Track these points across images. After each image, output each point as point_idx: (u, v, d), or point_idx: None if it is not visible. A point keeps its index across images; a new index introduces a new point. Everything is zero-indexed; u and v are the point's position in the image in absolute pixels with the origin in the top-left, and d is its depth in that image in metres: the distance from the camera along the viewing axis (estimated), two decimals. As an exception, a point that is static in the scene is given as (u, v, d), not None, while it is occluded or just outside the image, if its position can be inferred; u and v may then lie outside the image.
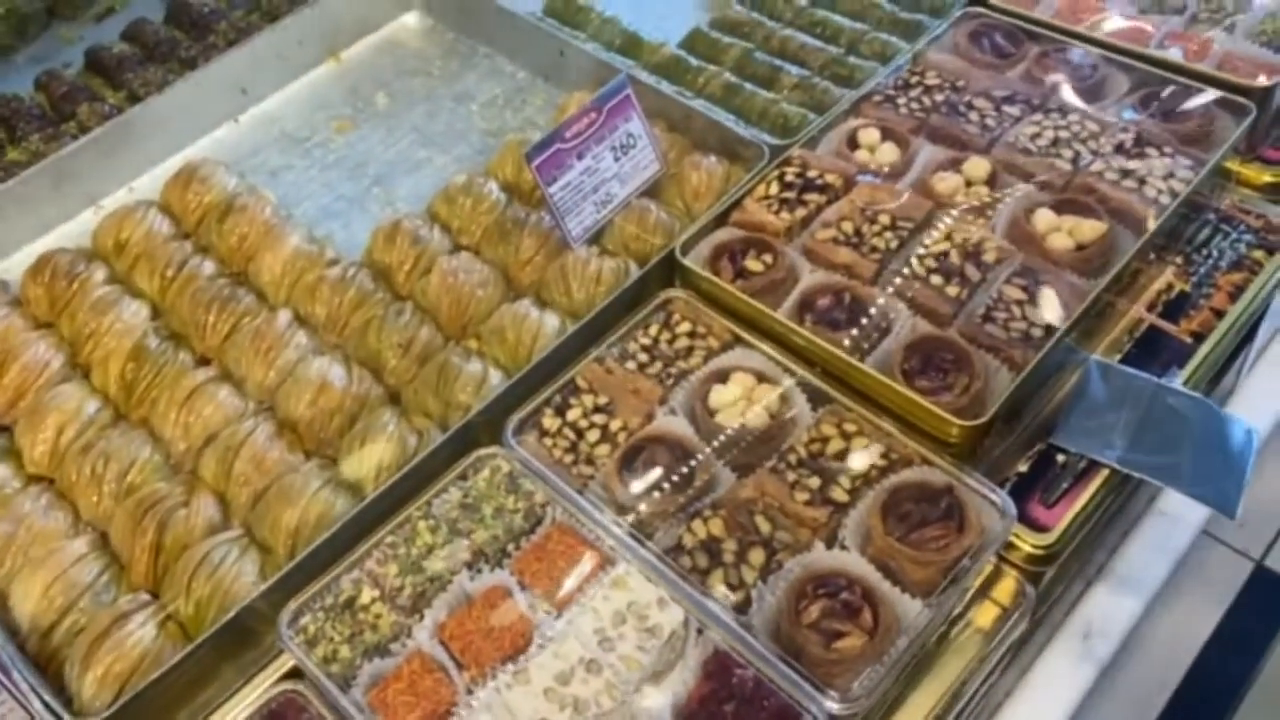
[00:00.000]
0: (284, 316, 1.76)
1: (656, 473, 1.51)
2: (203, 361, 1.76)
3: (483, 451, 1.54)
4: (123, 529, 1.54)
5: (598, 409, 1.60)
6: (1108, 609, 1.88)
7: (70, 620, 1.46)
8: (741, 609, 1.38)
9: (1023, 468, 1.60)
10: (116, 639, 1.41)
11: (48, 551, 1.51)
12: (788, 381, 1.59)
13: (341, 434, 1.64)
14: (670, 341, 1.67)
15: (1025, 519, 1.54)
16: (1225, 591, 2.63)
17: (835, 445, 1.52)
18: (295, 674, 1.41)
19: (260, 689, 1.39)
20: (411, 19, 2.44)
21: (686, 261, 1.71)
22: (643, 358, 1.65)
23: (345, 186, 2.12)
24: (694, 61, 2.20)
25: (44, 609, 1.46)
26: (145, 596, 1.48)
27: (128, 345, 1.73)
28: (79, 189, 2.07)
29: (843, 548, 1.43)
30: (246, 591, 1.45)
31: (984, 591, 1.54)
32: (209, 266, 1.87)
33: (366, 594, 1.42)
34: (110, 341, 1.75)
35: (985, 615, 1.54)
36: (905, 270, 1.66)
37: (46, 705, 1.34)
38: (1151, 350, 1.72)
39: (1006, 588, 1.54)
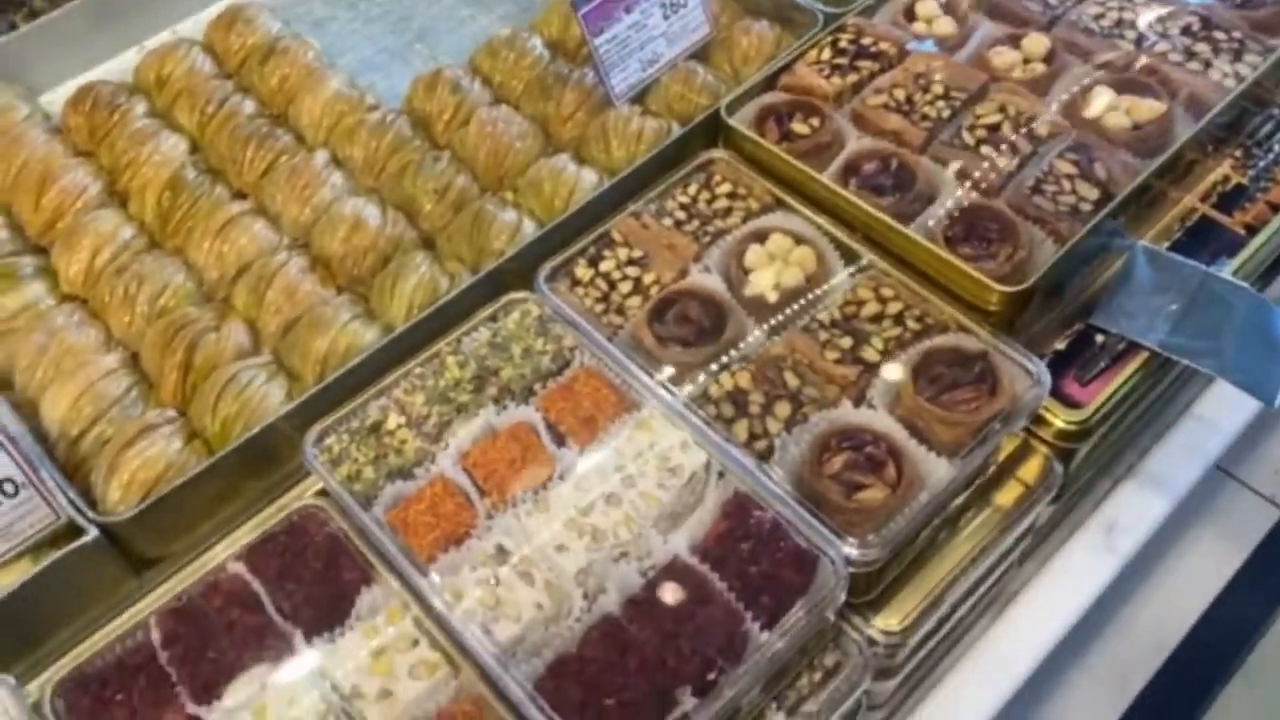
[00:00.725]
0: (321, 156, 1.75)
1: (687, 325, 1.49)
2: (239, 196, 1.76)
3: (514, 295, 1.53)
4: (153, 348, 1.55)
5: (631, 262, 1.58)
6: (1133, 506, 1.87)
7: (98, 430, 1.47)
8: (764, 458, 1.37)
9: (1060, 346, 1.57)
10: (142, 448, 1.42)
11: (78, 364, 1.52)
12: (826, 244, 1.57)
13: (374, 273, 1.63)
14: (709, 201, 1.64)
15: (1059, 396, 1.51)
16: (1248, 538, 2.59)
17: (871, 308, 1.50)
18: (321, 496, 1.41)
19: (283, 506, 1.40)
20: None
21: (732, 121, 1.68)
22: (680, 215, 1.62)
23: (388, 40, 2.09)
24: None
25: (73, 418, 1.47)
26: (172, 412, 1.49)
27: (165, 175, 1.73)
28: (123, 28, 2.05)
29: (871, 407, 1.41)
30: (273, 412, 1.45)
31: (1011, 470, 1.53)
32: (249, 105, 1.86)
33: (393, 420, 1.42)
34: (148, 171, 1.75)
35: (1011, 494, 1.52)
36: (955, 140, 1.62)
37: (71, 502, 1.36)
38: (1202, 240, 1.67)
39: (1034, 466, 1.52)
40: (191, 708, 1.21)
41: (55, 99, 1.99)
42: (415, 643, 1.25)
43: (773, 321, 1.50)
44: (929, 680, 1.67)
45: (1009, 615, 1.74)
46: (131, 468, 1.40)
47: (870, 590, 1.37)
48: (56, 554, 1.30)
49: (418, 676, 1.22)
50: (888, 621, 1.38)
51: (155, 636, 1.26)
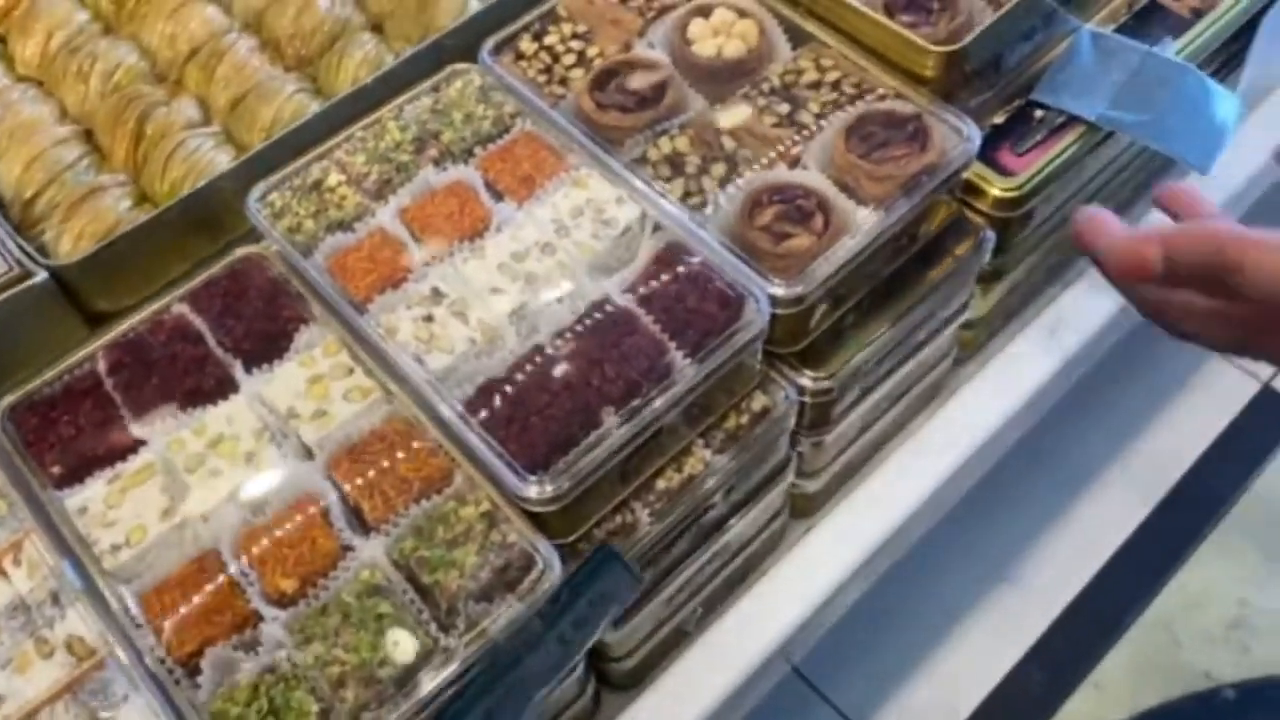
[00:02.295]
0: (273, -57, 1.75)
1: (628, 94, 1.51)
2: (192, -16, 1.77)
3: (457, 66, 1.55)
4: (105, 120, 1.57)
5: (576, 36, 1.59)
6: (1079, 307, 1.90)
7: (50, 193, 1.50)
8: (698, 209, 1.40)
9: (999, 120, 1.58)
10: (93, 204, 1.46)
11: (32, 133, 1.55)
12: (769, 19, 1.58)
13: (322, 53, 1.65)
14: (657, -17, 1.65)
15: (995, 166, 1.53)
16: (1225, 410, 2.62)
17: (809, 77, 1.51)
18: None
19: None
20: None
21: (679, -97, 1.67)
22: (627, -6, 1.64)
23: None
24: None
25: (26, 181, 1.51)
26: (123, 177, 1.53)
27: (117, -38, 1.74)
28: None
29: (804, 168, 1.44)
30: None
31: (946, 247, 1.55)
32: (201, -99, 1.85)
33: (334, 178, 1.45)
34: (101, -40, 1.76)
35: (945, 270, 1.54)
36: (904, -84, 1.61)
37: (22, 249, 1.40)
38: (1148, 23, 1.67)
39: (970, 236, 1.54)
40: (134, 428, 1.27)
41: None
42: (350, 371, 1.30)
43: (713, 93, 1.52)
44: (867, 461, 1.72)
45: (947, 408, 1.79)
46: (82, 222, 1.44)
47: (798, 340, 1.41)
48: (4, 294, 1.34)
49: (351, 400, 1.27)
50: (817, 371, 1.42)
51: (101, 366, 1.31)
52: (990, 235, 1.53)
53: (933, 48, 1.44)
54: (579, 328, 1.30)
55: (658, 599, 1.44)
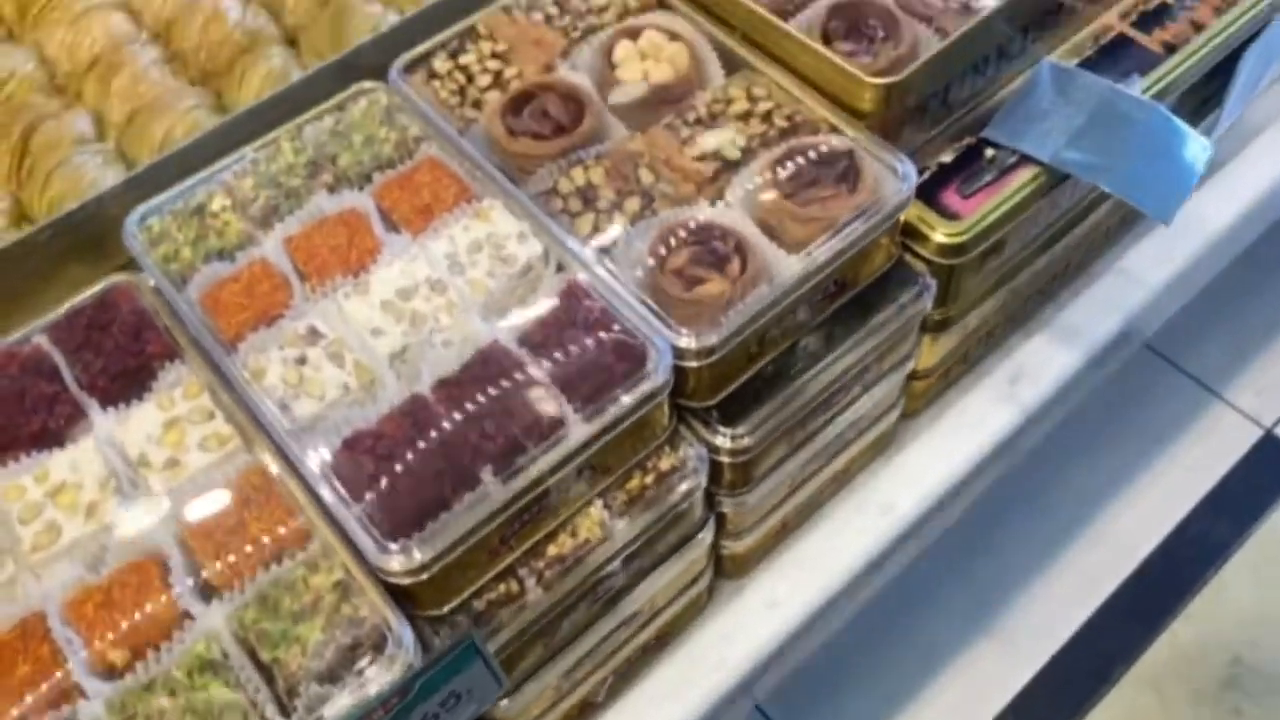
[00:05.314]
0: (186, -52, 1.66)
1: (543, 119, 1.40)
2: (102, -9, 1.67)
3: (364, 85, 1.44)
4: (-11, 132, 1.48)
5: (494, 55, 1.48)
6: (1041, 358, 1.77)
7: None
8: (606, 251, 1.29)
9: (946, 158, 1.47)
10: (-38, 225, 1.36)
11: (-91, 148, 1.46)
12: (703, 43, 1.47)
13: (230, 67, 1.55)
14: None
15: (939, 208, 1.42)
16: (1224, 457, 2.47)
17: (739, 107, 1.40)
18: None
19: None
20: None
21: (609, -87, 1.57)
22: (552, 10, 1.52)
23: None
24: None
25: (-103, 198, 1.41)
26: (1, 194, 1.43)
27: (25, -34, 1.65)
28: None
29: (727, 205, 1.32)
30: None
31: (886, 292, 1.43)
32: (120, -100, 1.76)
33: (218, 202, 1.34)
34: (9, -37, 1.67)
35: (885, 314, 1.43)
36: (849, -68, 1.50)
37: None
38: (1115, 58, 1.56)
39: (909, 283, 1.43)
40: None
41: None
42: (211, 416, 1.19)
43: (636, 122, 1.41)
44: (806, 519, 1.60)
45: (898, 459, 1.67)
46: (-51, 246, 1.34)
47: (714, 393, 1.29)
48: None
49: (207, 448, 1.16)
50: (734, 427, 1.31)
51: None
52: (931, 283, 1.42)
53: (870, 79, 1.33)
54: (463, 376, 1.18)
55: (553, 671, 1.32)
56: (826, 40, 1.41)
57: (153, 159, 1.40)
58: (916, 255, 1.43)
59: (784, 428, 1.35)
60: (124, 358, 1.23)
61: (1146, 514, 2.33)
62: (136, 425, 1.18)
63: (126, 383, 1.21)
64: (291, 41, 1.61)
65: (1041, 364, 1.75)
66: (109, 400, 1.20)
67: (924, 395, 1.68)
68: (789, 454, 1.42)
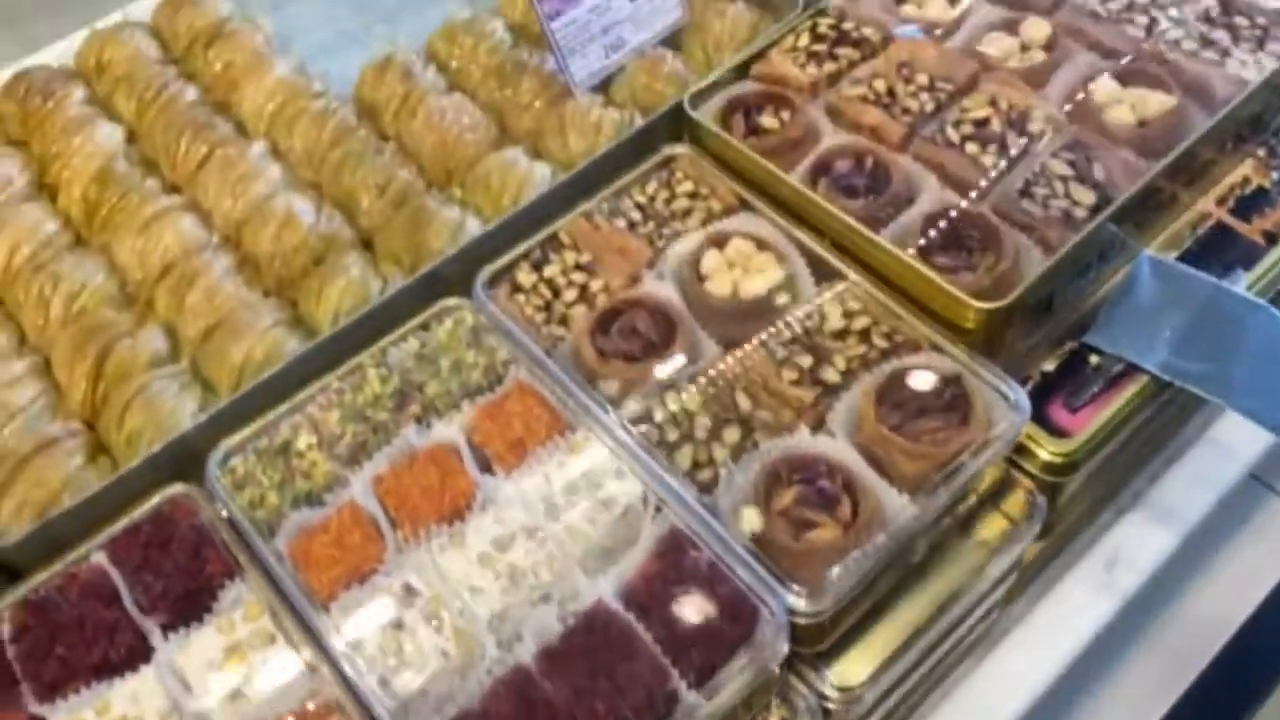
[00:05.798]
0: (258, 148, 1.63)
1: (633, 338, 1.36)
2: (172, 190, 1.65)
3: (448, 302, 1.41)
4: (63, 355, 1.44)
5: (578, 267, 1.45)
6: (1137, 539, 1.71)
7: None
8: (708, 488, 1.24)
9: (1049, 367, 1.42)
10: (38, 466, 1.33)
11: (-16, 371, 1.43)
12: (792, 251, 1.42)
13: (304, 274, 1.52)
14: (669, 201, 1.50)
15: (1046, 423, 1.36)
16: None
17: (835, 323, 1.36)
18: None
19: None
20: None
21: (695, 114, 1.54)
22: (635, 216, 1.49)
23: (348, 22, 1.97)
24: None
25: (-28, 429, 1.38)
26: (76, 425, 1.39)
27: (94, 167, 1.63)
28: (72, 9, 1.96)
29: (829, 434, 1.27)
30: (182, 426, 1.35)
31: (993, 502, 1.38)
32: (191, 92, 1.75)
33: (304, 439, 1.31)
34: (78, 162, 1.65)
35: (992, 528, 1.37)
36: (938, 136, 1.47)
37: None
38: (1215, 250, 1.51)
39: (1017, 499, 1.37)
40: (34, 707, 1.13)
41: (-1, 84, 1.89)
42: (272, 640, 1.15)
43: (728, 338, 1.37)
44: (903, 726, 1.53)
45: (994, 657, 1.60)
46: (24, 488, 1.31)
47: (824, 639, 1.23)
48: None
49: (272, 675, 1.12)
50: (843, 675, 1.25)
51: (5, 631, 1.18)
52: (1042, 503, 1.36)
53: (975, 304, 1.28)
54: (568, 643, 1.13)
55: None
56: (922, 251, 1.37)
57: (233, 392, 1.38)
58: (1020, 469, 1.37)
59: (896, 667, 1.29)
60: (184, 578, 1.20)
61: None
62: (197, 651, 1.15)
63: (187, 604, 1.19)
64: (366, 243, 1.58)
65: (1137, 546, 1.69)
66: (169, 625, 1.18)
67: (1017, 585, 1.61)
68: (896, 684, 1.36)
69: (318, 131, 1.64)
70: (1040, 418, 1.36)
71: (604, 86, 1.69)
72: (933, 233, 1.37)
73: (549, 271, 1.44)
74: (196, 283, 1.48)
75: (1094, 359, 1.41)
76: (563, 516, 1.22)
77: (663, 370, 1.33)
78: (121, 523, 1.25)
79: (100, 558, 1.23)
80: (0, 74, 1.89)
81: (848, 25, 1.61)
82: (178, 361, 1.46)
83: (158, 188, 1.64)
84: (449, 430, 1.30)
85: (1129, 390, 1.38)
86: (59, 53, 1.94)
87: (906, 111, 1.49)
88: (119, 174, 1.62)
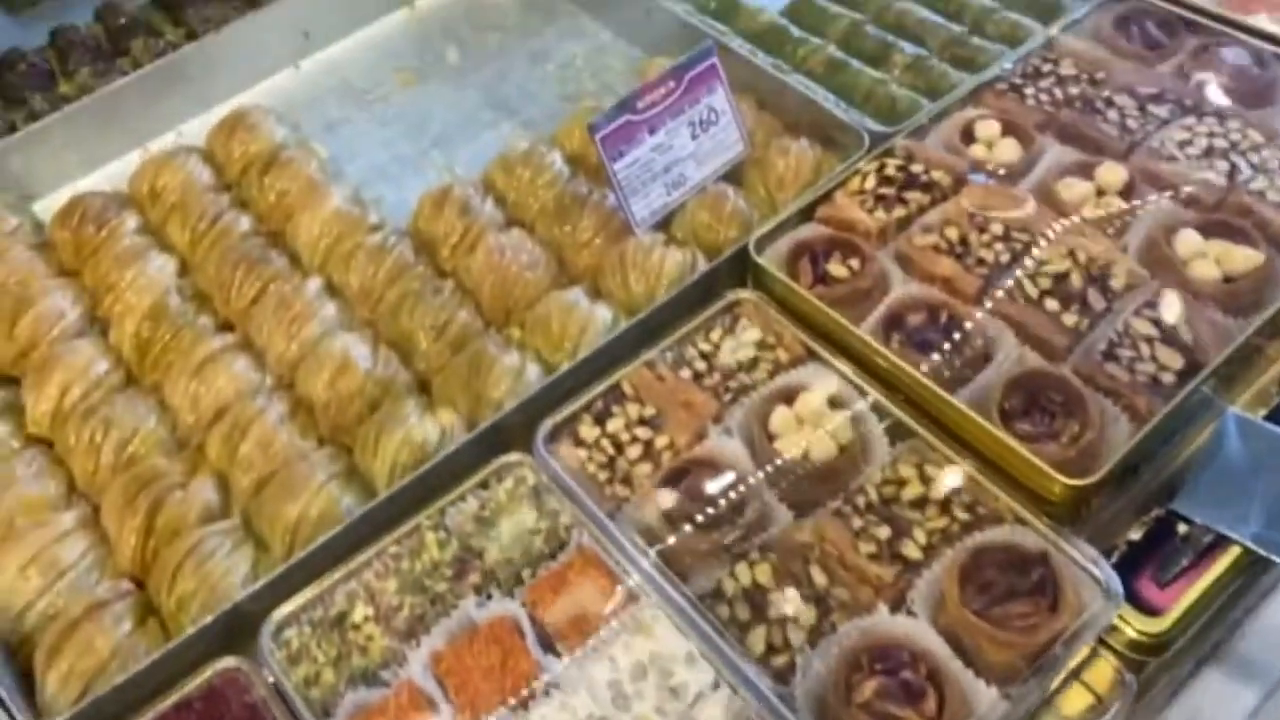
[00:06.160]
0: (313, 285, 1.61)
1: (700, 501, 1.31)
2: (225, 327, 1.62)
3: (509, 458, 1.37)
4: (113, 506, 1.41)
5: (643, 421, 1.40)
6: (1218, 697, 1.62)
7: (46, 602, 1.34)
8: (783, 676, 1.18)
9: (1135, 535, 1.35)
10: (86, 632, 1.28)
11: (32, 524, 1.39)
12: (864, 409, 1.37)
13: (360, 420, 1.48)
14: (734, 350, 1.46)
15: (1134, 598, 1.30)
16: None
17: (913, 490, 1.30)
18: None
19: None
20: (494, -32, 2.25)
21: (761, 260, 1.50)
22: (700, 366, 1.45)
23: (403, 145, 1.95)
24: (796, 32, 1.96)
25: (19, 588, 1.34)
26: (126, 586, 1.35)
27: (147, 303, 1.60)
28: (125, 130, 1.95)
29: (910, 614, 1.21)
30: (234, 591, 1.31)
31: (1076, 673, 1.31)
32: (244, 223, 1.73)
33: (360, 611, 1.26)
34: (131, 297, 1.62)
35: (1074, 702, 1.30)
36: (1015, 290, 1.42)
37: (4, 706, 1.22)
38: (1306, 407, 1.45)
39: (1103, 674, 1.30)
40: None
41: (53, 203, 1.87)
42: None
43: (800, 501, 1.31)
44: None
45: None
46: (72, 657, 1.26)
47: (904, 838, 1.16)
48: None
49: None
50: None
51: None
52: (1131, 681, 1.29)
53: (1063, 479, 1.23)
54: None
55: None
56: (1003, 415, 1.31)
57: (286, 551, 1.34)
58: (1107, 645, 1.31)
59: None
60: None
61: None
62: None
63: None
64: (423, 384, 1.54)
65: (1217, 704, 1.60)
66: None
67: (1095, 747, 1.54)
68: None
69: (374, 268, 1.61)
70: (1128, 592, 1.29)
71: (664, 222, 1.66)
72: (1014, 397, 1.32)
73: (612, 426, 1.40)
74: (250, 431, 1.45)
75: (1182, 528, 1.34)
76: (632, 707, 1.16)
77: (733, 538, 1.28)
78: (172, 698, 1.21)
79: (147, 736, 1.19)
80: (58, 195, 1.89)
81: (916, 167, 1.57)
82: (230, 512, 1.42)
83: (210, 325, 1.61)
84: (510, 604, 1.25)
85: (1221, 562, 1.31)
86: (113, 173, 1.93)
87: (981, 263, 1.45)
88: (172, 310, 1.60)
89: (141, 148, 1.97)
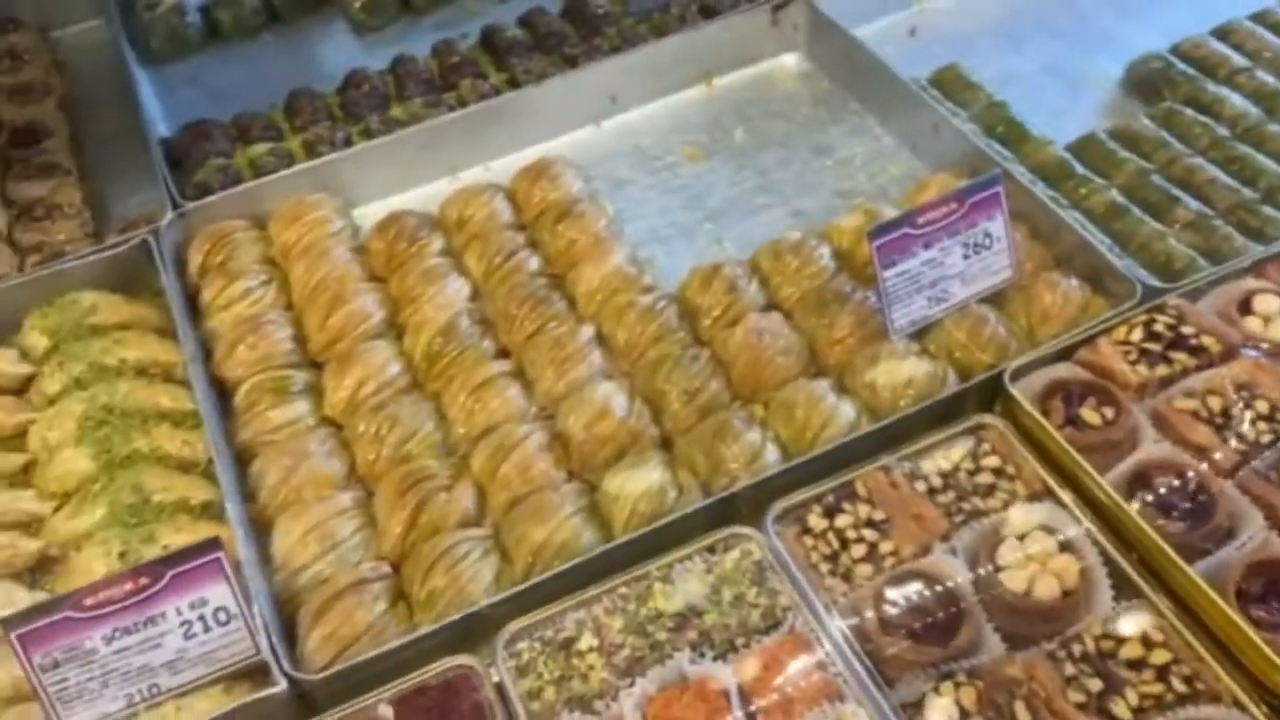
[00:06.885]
0: (586, 332, 1.76)
1: (918, 615, 1.36)
2: (503, 354, 1.79)
3: (738, 529, 1.46)
4: (385, 495, 1.59)
5: (871, 523, 1.47)
6: None
7: (318, 568, 1.52)
8: (978, 813, 1.21)
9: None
10: (349, 603, 1.45)
11: (317, 496, 1.59)
12: (1094, 558, 1.39)
13: (608, 464, 1.61)
14: (972, 473, 1.51)
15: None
16: None
17: (1131, 651, 1.31)
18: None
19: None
20: (791, 60, 2.37)
21: (1013, 389, 1.54)
22: (936, 482, 1.50)
23: (680, 214, 2.09)
24: (1080, 169, 1.99)
25: (298, 551, 1.53)
26: (386, 569, 1.52)
27: (442, 319, 1.79)
28: (441, 157, 2.17)
29: (1110, 772, 1.23)
30: (478, 595, 1.47)
31: None
32: (534, 263, 1.90)
33: (586, 640, 1.38)
34: (428, 310, 1.82)
35: None
36: (1272, 472, 1.41)
37: (272, 648, 1.40)
38: None
39: None
40: None
41: (369, 212, 2.11)
42: None
43: (1014, 635, 1.35)
44: None
45: None
46: (334, 623, 1.44)
47: None
48: (248, 699, 1.35)
49: None
50: None
51: None
52: None
53: (1295, 676, 1.21)
54: None
55: None
56: (1239, 596, 1.31)
57: (528, 570, 1.49)
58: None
59: None
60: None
61: None
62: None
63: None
64: (666, 441, 1.66)
65: None
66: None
67: None
68: None
69: (642, 327, 1.75)
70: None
71: (920, 333, 1.72)
72: (1254, 580, 1.32)
73: (840, 521, 1.47)
74: (512, 453, 1.60)
75: None
76: (823, 801, 1.22)
77: (942, 656, 1.32)
78: (411, 682, 1.35)
79: (386, 711, 1.33)
80: (373, 206, 2.13)
81: (1186, 329, 1.58)
82: (483, 521, 1.58)
83: (491, 349, 1.78)
84: (721, 668, 1.34)
85: None
86: (425, 194, 2.16)
87: (1240, 438, 1.44)
88: (461, 330, 1.78)
89: (452, 175, 2.19)
